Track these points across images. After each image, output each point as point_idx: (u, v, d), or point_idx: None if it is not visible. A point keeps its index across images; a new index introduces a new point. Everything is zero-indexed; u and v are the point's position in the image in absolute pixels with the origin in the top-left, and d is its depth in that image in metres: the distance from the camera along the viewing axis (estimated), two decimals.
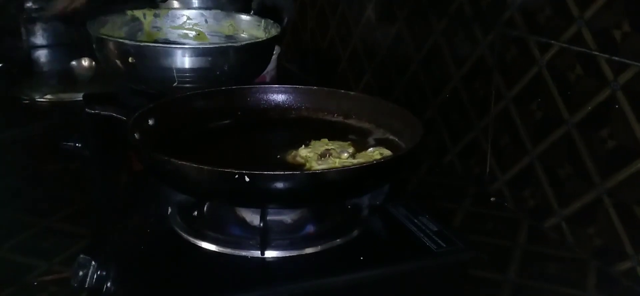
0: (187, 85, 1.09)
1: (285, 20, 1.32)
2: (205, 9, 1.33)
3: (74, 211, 1.14)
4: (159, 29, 1.25)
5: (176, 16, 1.26)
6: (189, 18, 1.29)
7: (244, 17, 1.30)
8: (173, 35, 1.25)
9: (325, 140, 0.90)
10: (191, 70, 1.09)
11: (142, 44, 1.03)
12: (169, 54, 1.06)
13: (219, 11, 1.31)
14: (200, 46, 1.11)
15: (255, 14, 1.31)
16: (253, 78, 1.20)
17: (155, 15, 1.26)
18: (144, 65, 1.05)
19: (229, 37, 1.28)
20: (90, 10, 1.44)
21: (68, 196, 1.17)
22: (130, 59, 1.08)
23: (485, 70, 1.16)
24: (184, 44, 1.13)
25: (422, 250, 0.79)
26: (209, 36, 1.28)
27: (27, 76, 1.71)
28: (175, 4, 1.53)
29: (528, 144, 1.08)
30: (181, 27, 1.25)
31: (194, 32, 1.26)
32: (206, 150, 0.91)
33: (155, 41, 1.11)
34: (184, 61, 1.08)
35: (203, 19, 1.30)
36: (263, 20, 1.26)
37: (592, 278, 0.94)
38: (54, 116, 1.56)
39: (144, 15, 1.24)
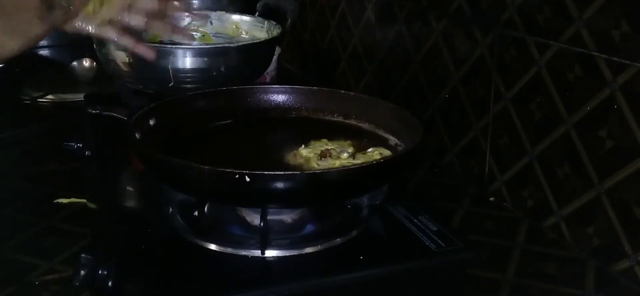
0: (184, 85, 1.09)
1: (289, 21, 1.32)
2: (210, 10, 1.33)
3: (75, 211, 1.14)
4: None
5: (181, 18, 1.25)
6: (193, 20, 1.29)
7: (248, 18, 1.30)
8: (178, 37, 1.25)
9: (325, 140, 0.91)
10: (187, 70, 1.09)
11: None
12: (164, 54, 1.06)
13: (224, 13, 1.31)
14: (196, 47, 1.10)
15: (259, 15, 1.31)
16: (253, 79, 1.21)
17: None
18: (140, 65, 1.05)
19: (233, 39, 1.28)
20: None
21: (69, 196, 1.17)
22: (127, 59, 1.08)
23: (485, 70, 1.16)
24: (185, 45, 1.12)
25: (422, 250, 0.79)
26: (213, 38, 1.28)
27: (28, 76, 1.71)
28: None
29: (527, 144, 1.08)
30: (185, 28, 1.25)
31: (198, 34, 1.26)
32: (207, 150, 0.92)
33: (160, 43, 1.11)
34: (180, 61, 1.08)
35: (208, 20, 1.30)
36: (266, 22, 1.26)
37: (590, 278, 0.95)
38: (55, 116, 1.56)
39: None
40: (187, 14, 1.10)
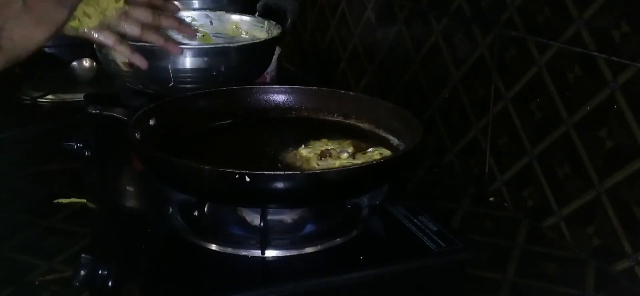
0: (184, 85, 1.09)
1: (289, 21, 1.32)
2: (210, 10, 1.34)
3: (75, 211, 1.14)
4: (164, 30, 1.25)
5: (181, 18, 1.25)
6: (194, 19, 1.29)
7: (248, 18, 1.30)
8: (178, 36, 1.25)
9: (325, 140, 0.91)
10: (187, 70, 1.09)
11: (138, 43, 1.03)
12: (164, 54, 1.07)
13: (224, 13, 1.31)
14: (196, 47, 1.11)
15: (259, 15, 1.31)
16: (253, 79, 1.21)
17: None
18: None
19: (233, 39, 1.28)
20: None
21: (69, 196, 1.17)
22: (126, 59, 1.09)
23: (485, 70, 1.16)
24: (185, 44, 1.13)
25: (422, 250, 0.79)
26: (213, 37, 1.28)
27: (28, 76, 1.71)
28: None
29: (527, 144, 1.08)
30: (188, 25, 1.25)
31: (198, 34, 1.26)
32: (206, 150, 0.92)
33: None
34: (180, 61, 1.08)
35: (208, 20, 1.30)
36: (266, 22, 1.26)
37: (590, 278, 0.95)
38: (55, 116, 1.56)
39: None
40: (176, 30, 1.11)
